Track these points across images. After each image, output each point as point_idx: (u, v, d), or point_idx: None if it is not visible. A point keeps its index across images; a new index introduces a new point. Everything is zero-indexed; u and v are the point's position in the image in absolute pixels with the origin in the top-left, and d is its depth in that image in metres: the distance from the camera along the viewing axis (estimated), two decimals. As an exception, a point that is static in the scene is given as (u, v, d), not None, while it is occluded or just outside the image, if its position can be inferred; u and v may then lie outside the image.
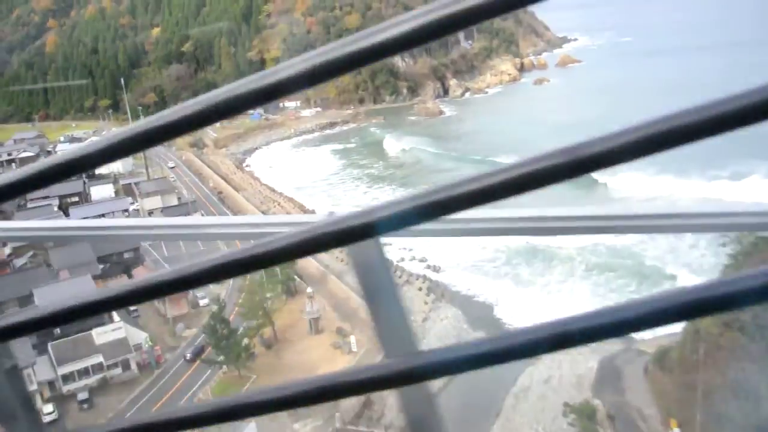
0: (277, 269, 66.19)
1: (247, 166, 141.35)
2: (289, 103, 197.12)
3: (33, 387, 54.21)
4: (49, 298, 60.13)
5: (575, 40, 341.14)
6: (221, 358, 55.86)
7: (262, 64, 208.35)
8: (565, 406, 46.28)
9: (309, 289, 63.25)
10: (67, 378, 56.83)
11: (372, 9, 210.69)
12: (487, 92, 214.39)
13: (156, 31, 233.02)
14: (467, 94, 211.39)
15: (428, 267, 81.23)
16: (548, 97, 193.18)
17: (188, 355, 61.49)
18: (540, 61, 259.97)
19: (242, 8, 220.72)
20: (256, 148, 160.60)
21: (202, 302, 71.18)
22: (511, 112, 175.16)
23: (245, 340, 55.60)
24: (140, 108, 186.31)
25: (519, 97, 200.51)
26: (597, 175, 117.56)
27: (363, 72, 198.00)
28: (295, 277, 70.47)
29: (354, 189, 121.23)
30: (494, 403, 53.88)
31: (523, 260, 79.59)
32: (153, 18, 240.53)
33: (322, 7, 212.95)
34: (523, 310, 67.40)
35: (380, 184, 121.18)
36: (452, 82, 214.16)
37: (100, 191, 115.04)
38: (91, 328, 60.46)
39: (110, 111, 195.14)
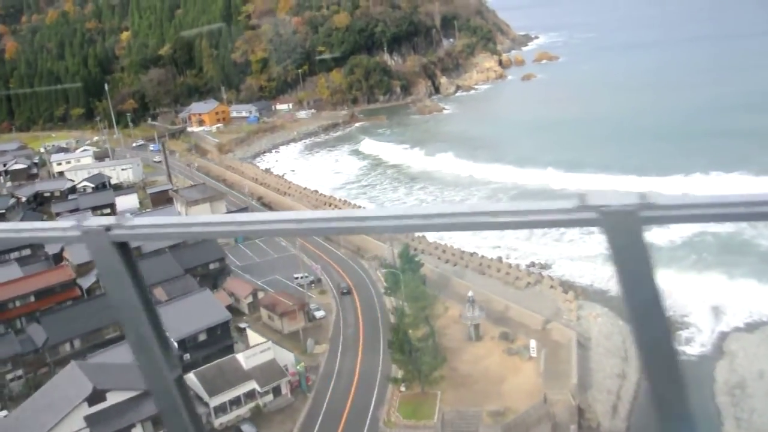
0: (408, 275, 60.16)
1: (268, 170, 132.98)
2: (281, 106, 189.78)
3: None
4: (174, 319, 52.68)
5: (537, 38, 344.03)
6: (401, 374, 49.48)
7: (247, 66, 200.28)
8: None
9: (470, 293, 57.18)
10: (217, 410, 49.20)
11: (360, 7, 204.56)
12: (477, 89, 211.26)
13: (126, 35, 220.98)
14: (459, 92, 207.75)
15: (533, 264, 76.29)
16: (543, 93, 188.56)
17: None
18: (517, 58, 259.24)
19: (221, 10, 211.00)
20: (264, 152, 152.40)
21: (318, 314, 64.26)
22: (512, 109, 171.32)
23: (430, 354, 49.10)
24: (128, 115, 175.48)
25: (513, 94, 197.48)
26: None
27: (356, 71, 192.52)
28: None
29: (393, 190, 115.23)
30: (704, 403, 49.30)
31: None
32: (121, 22, 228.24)
33: (307, 6, 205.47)
34: (672, 301, 63.37)
35: (421, 183, 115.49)
36: (443, 80, 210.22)
37: (123, 202, 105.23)
38: (231, 352, 53.18)
39: (98, 119, 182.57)
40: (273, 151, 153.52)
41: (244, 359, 50.83)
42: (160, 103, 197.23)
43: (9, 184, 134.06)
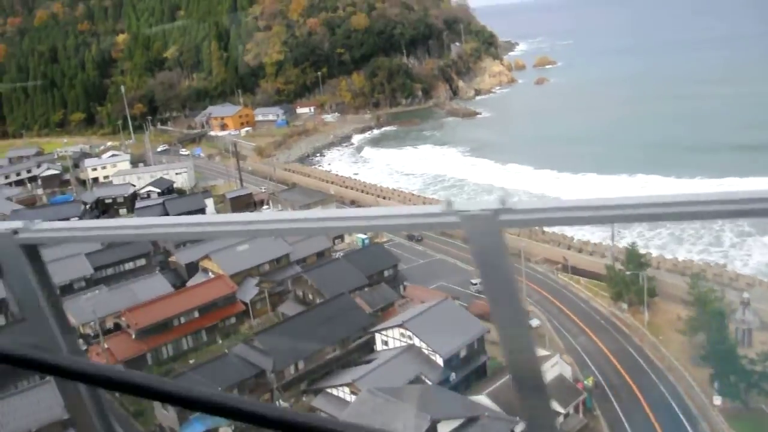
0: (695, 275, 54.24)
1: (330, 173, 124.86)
2: (303, 109, 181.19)
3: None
4: (431, 334, 45.54)
5: (517, 44, 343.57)
6: (721, 386, 43.49)
7: (260, 69, 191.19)
8: None
9: (745, 294, 51.48)
10: (518, 435, 41.95)
11: (376, 9, 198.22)
12: (496, 93, 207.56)
13: (122, 37, 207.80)
14: (478, 96, 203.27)
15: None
16: (567, 98, 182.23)
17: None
18: (518, 62, 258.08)
19: (227, 11, 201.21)
20: (308, 155, 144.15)
21: (534, 323, 57.50)
22: (547, 114, 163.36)
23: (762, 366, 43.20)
24: (149, 119, 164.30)
25: (537, 99, 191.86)
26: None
27: (379, 74, 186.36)
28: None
29: (488, 192, 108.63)
30: None
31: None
32: (115, 24, 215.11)
33: (321, 7, 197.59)
34: None
35: (513, 188, 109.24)
36: (461, 84, 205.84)
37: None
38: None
39: (101, 124, 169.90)
40: (317, 154, 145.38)
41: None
42: (170, 107, 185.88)
43: (40, 191, 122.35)
